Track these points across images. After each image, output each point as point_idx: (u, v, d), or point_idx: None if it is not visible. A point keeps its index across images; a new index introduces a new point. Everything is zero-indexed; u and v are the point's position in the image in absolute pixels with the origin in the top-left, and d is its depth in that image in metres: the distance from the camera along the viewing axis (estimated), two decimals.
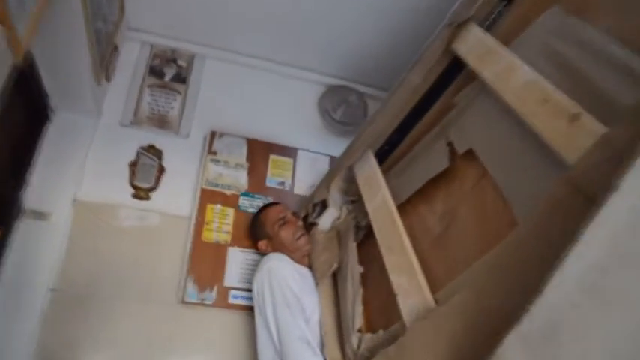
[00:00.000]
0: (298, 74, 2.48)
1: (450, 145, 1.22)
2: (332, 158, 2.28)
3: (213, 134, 2.11)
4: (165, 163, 2.03)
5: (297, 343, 1.42)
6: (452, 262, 1.09)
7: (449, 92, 1.28)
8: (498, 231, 0.95)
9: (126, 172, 1.96)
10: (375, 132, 1.48)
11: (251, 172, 2.10)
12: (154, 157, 2.02)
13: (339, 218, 1.77)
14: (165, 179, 2.00)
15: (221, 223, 1.93)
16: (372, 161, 1.50)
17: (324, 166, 2.25)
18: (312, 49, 2.38)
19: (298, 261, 1.75)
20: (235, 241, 1.92)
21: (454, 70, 1.25)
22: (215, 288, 1.80)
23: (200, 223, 1.91)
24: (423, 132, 1.40)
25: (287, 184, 2.15)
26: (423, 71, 1.26)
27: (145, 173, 1.98)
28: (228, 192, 2.01)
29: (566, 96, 0.83)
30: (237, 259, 1.89)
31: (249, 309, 1.80)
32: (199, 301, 1.77)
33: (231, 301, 1.81)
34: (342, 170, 1.67)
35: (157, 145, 2.05)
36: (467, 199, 1.12)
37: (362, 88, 2.58)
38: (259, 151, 2.16)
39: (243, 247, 1.92)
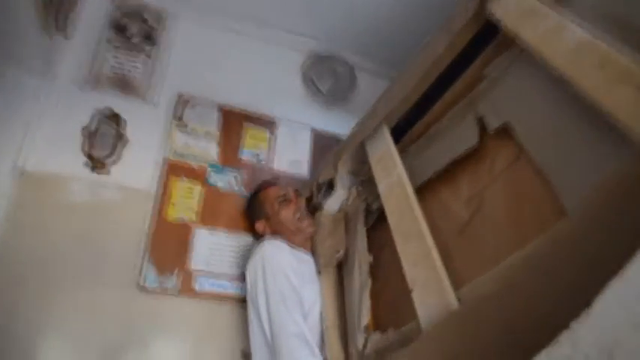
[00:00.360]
0: (281, 38, 2.27)
1: (479, 120, 1.05)
2: (314, 130, 2.07)
3: (182, 99, 1.89)
4: (126, 131, 1.80)
5: (293, 340, 1.24)
6: (479, 254, 0.94)
7: (477, 64, 1.10)
8: (539, 220, 0.82)
9: (80, 140, 1.72)
10: (391, 105, 1.29)
11: (222, 143, 1.88)
12: (114, 124, 1.79)
13: (347, 200, 1.59)
14: (125, 149, 1.77)
15: (187, 199, 1.72)
16: (387, 137, 1.30)
17: (305, 138, 2.04)
18: (299, 11, 2.18)
19: (299, 245, 1.58)
20: (202, 220, 1.71)
21: (484, 38, 1.07)
22: (178, 273, 1.59)
23: (163, 198, 1.69)
24: (447, 107, 1.22)
25: (263, 156, 1.93)
26: (449, 38, 1.08)
27: (103, 142, 1.75)
28: (195, 164, 1.79)
29: (633, 57, 0.65)
30: (204, 240, 1.68)
31: (217, 297, 1.61)
32: (159, 287, 1.55)
33: (195, 287, 1.60)
34: (351, 147, 1.48)
35: (118, 111, 1.82)
36: (498, 182, 0.97)
37: (350, 58, 2.37)
38: (233, 120, 1.94)
39: (211, 227, 1.71)
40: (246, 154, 1.89)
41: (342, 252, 1.47)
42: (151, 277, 1.55)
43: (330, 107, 2.25)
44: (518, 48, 0.94)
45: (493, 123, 1.00)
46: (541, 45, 0.80)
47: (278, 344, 1.25)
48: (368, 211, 1.47)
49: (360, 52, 2.39)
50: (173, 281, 1.57)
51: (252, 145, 1.92)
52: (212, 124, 1.89)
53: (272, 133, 1.99)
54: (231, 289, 1.63)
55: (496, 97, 1.02)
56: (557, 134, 0.83)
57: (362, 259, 1.35)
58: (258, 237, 1.68)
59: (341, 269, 1.51)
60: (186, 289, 1.58)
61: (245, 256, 1.70)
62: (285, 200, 1.63)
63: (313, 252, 1.61)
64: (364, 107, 2.30)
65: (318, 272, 1.52)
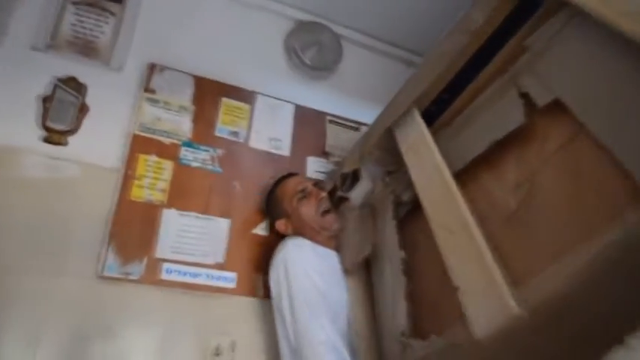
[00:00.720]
0: (263, 4, 2.09)
1: (524, 97, 0.94)
2: (297, 106, 1.93)
3: (152, 67, 1.71)
4: (89, 101, 1.62)
5: (319, 348, 1.15)
6: (533, 247, 0.83)
7: (517, 37, 0.99)
8: (609, 206, 0.72)
9: (36, 110, 1.54)
10: (423, 86, 1.16)
11: (197, 118, 1.72)
12: (75, 93, 1.61)
13: (373, 192, 1.47)
14: (87, 121, 1.59)
15: (155, 179, 1.56)
16: (419, 122, 1.18)
17: (287, 115, 1.90)
18: None
19: (323, 243, 1.45)
20: (173, 202, 1.55)
21: (524, 10, 0.96)
22: (144, 260, 1.45)
23: (129, 177, 1.53)
24: (483, 86, 1.10)
25: (241, 134, 1.78)
26: (487, 10, 0.96)
27: (62, 112, 1.57)
28: (166, 140, 1.63)
29: None
30: (174, 223, 1.53)
31: (186, 286, 1.48)
32: (122, 276, 1.41)
33: (163, 276, 1.45)
34: (378, 134, 1.35)
35: (80, 78, 1.63)
36: (552, 164, 0.86)
37: (337, 28, 2.21)
38: (209, 93, 1.78)
39: (182, 209, 1.56)
40: (222, 131, 1.74)
41: (368, 249, 1.35)
42: (112, 263, 1.40)
43: (314, 80, 2.10)
44: (565, 14, 0.84)
45: (542, 98, 0.89)
46: (603, 6, 0.68)
47: (304, 353, 1.17)
48: (397, 203, 1.34)
49: (347, 22, 2.23)
50: (137, 268, 1.43)
51: (229, 121, 1.76)
52: (186, 96, 1.73)
53: (251, 107, 1.83)
54: (201, 277, 1.50)
55: (543, 69, 0.91)
56: (625, 106, 0.72)
57: (393, 255, 1.24)
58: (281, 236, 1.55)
59: (369, 267, 1.40)
60: (152, 277, 1.44)
61: (215, 240, 1.57)
62: (304, 196, 1.51)
63: (339, 249, 1.48)
64: (350, 81, 2.19)
65: (345, 271, 1.40)
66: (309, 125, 1.92)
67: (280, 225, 1.54)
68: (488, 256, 0.80)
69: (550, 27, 0.89)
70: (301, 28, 2.14)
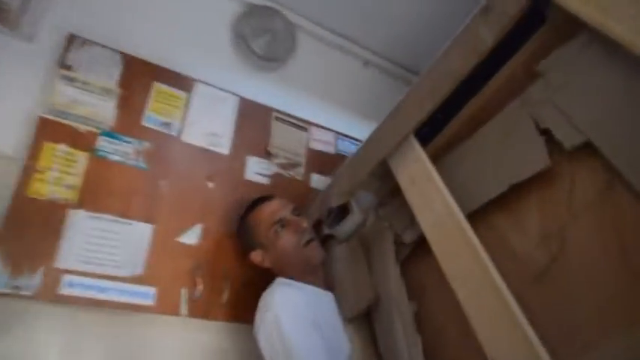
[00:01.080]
0: None
1: (544, 133, 0.84)
2: (241, 99, 1.72)
3: (71, 39, 1.45)
4: None
5: None
6: (579, 315, 0.73)
7: (523, 56, 0.90)
8: None
9: None
10: (423, 111, 1.04)
11: (122, 104, 1.46)
12: None
13: (364, 224, 1.35)
14: None
15: (64, 173, 1.30)
16: (420, 152, 1.07)
17: (229, 108, 1.69)
18: None
19: (307, 276, 1.30)
20: (84, 202, 1.30)
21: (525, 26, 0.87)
22: (41, 270, 1.19)
23: (29, 169, 1.26)
24: (487, 109, 1.00)
25: (174, 126, 1.54)
26: (497, 28, 0.86)
27: None
28: (82, 127, 1.37)
29: None
30: (84, 227, 1.28)
31: (92, 303, 1.23)
32: (11, 291, 1.14)
33: (64, 291, 1.20)
34: (371, 165, 1.22)
35: None
36: (586, 216, 0.77)
37: (293, 17, 2.02)
38: (139, 75, 1.53)
39: (94, 210, 1.31)
40: (151, 120, 1.50)
41: (372, 296, 1.22)
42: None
43: (262, 71, 1.91)
44: (583, 39, 0.75)
45: (570, 139, 0.79)
46: (630, 34, 0.55)
47: None
48: (398, 243, 1.22)
49: (304, 11, 2.06)
50: (32, 281, 1.17)
51: (160, 110, 1.53)
52: (110, 77, 1.47)
53: (188, 96, 1.61)
54: (113, 292, 1.26)
55: (564, 102, 0.81)
56: None
57: (402, 308, 1.12)
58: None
59: (370, 315, 1.28)
60: (50, 292, 1.19)
61: (133, 248, 1.35)
62: (283, 225, 1.33)
63: (331, 291, 1.33)
64: (302, 75, 2.00)
65: (344, 318, 1.26)
66: (253, 121, 1.73)
67: (256, 257, 1.36)
68: (527, 327, 0.69)
69: (567, 51, 0.80)
70: (252, 12, 1.94)
